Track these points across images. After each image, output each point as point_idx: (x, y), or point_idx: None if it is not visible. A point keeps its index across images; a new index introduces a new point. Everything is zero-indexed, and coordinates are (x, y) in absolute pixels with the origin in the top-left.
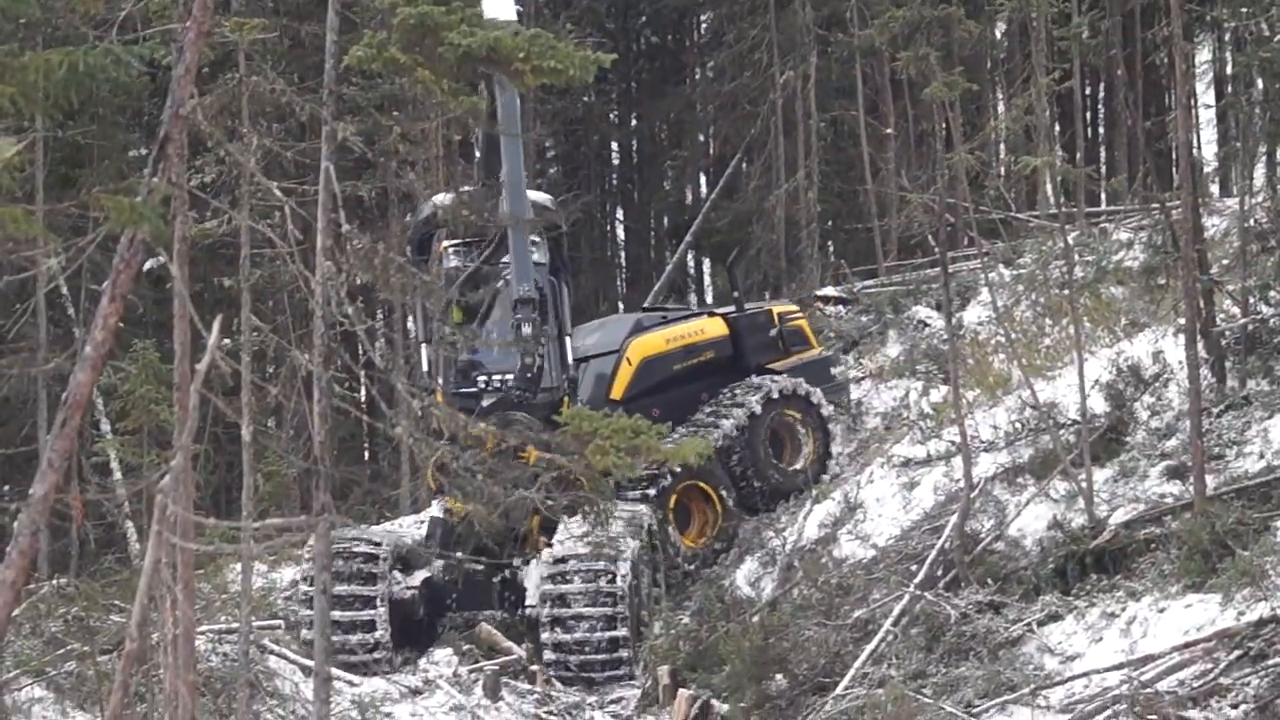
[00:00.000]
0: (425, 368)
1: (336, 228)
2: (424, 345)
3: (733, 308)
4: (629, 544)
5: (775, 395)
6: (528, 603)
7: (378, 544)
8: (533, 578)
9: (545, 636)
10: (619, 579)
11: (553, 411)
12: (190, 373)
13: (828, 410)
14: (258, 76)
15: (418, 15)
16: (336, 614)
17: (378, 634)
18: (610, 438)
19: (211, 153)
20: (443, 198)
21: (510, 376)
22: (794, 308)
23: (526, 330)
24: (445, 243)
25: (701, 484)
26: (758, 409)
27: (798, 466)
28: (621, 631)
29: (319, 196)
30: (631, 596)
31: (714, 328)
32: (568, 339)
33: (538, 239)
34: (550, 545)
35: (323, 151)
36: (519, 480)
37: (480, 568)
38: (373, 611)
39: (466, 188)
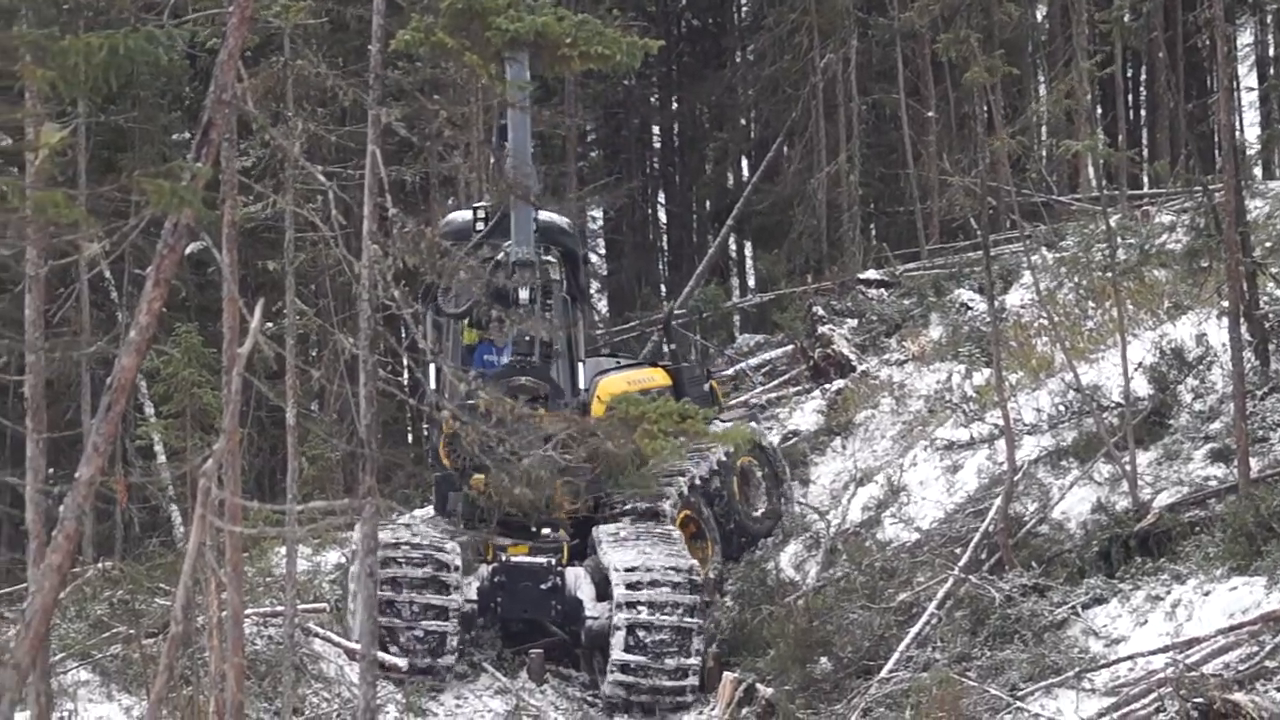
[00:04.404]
0: (433, 384)
1: (382, 211)
2: (432, 363)
3: (669, 361)
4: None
5: (746, 442)
6: (587, 613)
7: (449, 551)
8: (584, 587)
9: (617, 651)
10: (698, 596)
11: None
12: (234, 357)
13: (782, 460)
14: (302, 60)
15: (465, 0)
16: (407, 622)
17: (448, 648)
18: (658, 421)
19: (255, 137)
20: (459, 215)
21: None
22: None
23: (524, 294)
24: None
25: (690, 514)
26: (727, 453)
27: (759, 513)
28: (694, 660)
29: (364, 180)
30: (704, 612)
31: (661, 377)
32: (580, 365)
33: (552, 259)
34: (578, 508)
35: (368, 135)
36: (533, 444)
37: (527, 574)
38: (444, 624)
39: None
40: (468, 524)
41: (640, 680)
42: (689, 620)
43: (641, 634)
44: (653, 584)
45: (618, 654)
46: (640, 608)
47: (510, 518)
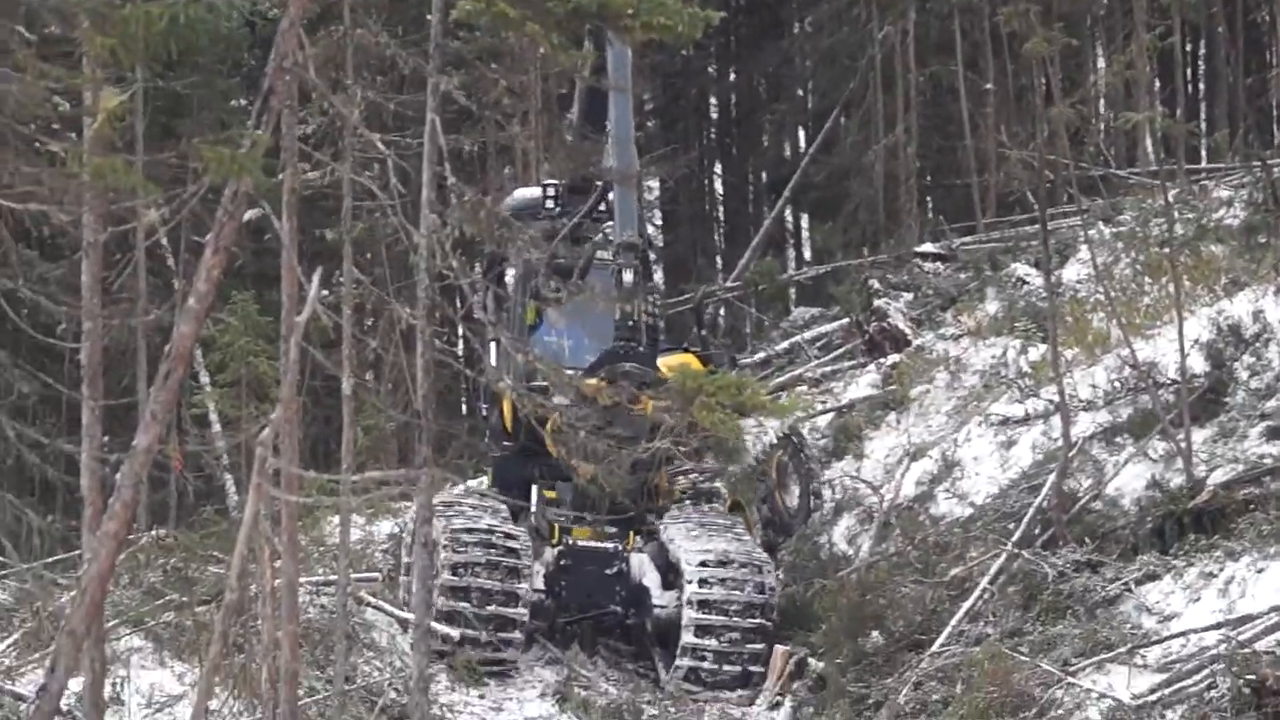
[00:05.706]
0: (493, 360)
1: (441, 180)
2: (492, 340)
3: (700, 345)
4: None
5: (781, 433)
6: (654, 601)
7: (517, 535)
8: (649, 573)
9: (687, 641)
10: (769, 588)
11: None
12: (292, 325)
13: (812, 449)
14: (362, 29)
15: None
16: (476, 607)
17: (516, 633)
18: (715, 394)
19: (314, 104)
20: (525, 192)
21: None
22: None
23: (628, 277)
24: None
25: (739, 500)
26: (770, 443)
27: (793, 505)
28: (759, 667)
29: (424, 149)
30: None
31: (694, 362)
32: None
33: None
34: (686, 494)
35: (428, 104)
36: (639, 431)
37: (593, 558)
38: (514, 610)
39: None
40: (576, 511)
41: (703, 689)
42: (757, 638)
43: (710, 643)
44: (726, 590)
45: (684, 660)
46: (712, 616)
47: (610, 505)
